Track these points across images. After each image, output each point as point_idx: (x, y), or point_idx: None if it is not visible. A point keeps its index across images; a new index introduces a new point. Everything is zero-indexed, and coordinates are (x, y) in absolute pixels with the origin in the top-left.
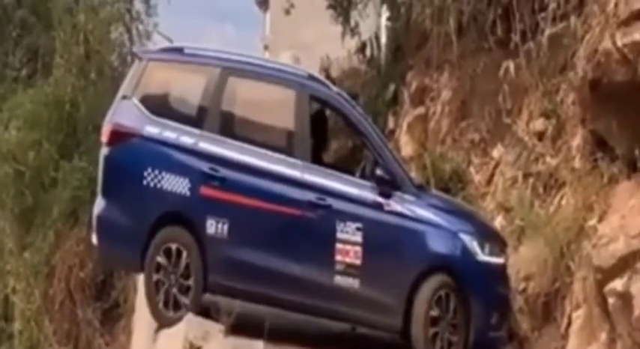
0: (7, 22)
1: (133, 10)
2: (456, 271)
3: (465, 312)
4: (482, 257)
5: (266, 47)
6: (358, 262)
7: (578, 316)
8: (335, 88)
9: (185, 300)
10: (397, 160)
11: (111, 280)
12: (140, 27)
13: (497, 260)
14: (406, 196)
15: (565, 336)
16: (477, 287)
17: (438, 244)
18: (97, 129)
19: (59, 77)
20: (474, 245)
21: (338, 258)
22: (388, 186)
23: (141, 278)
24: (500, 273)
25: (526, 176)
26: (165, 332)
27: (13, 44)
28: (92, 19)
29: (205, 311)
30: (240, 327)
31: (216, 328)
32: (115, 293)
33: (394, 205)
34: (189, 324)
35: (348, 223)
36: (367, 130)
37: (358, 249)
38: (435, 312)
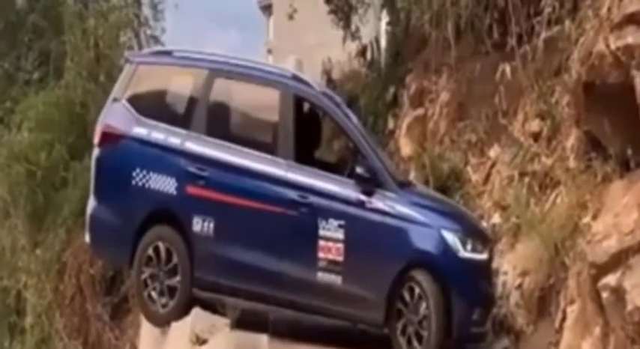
0: (19, 27)
1: (141, 16)
2: (437, 267)
3: (447, 308)
4: (464, 253)
5: (269, 51)
6: (340, 259)
7: (573, 311)
8: (319, 88)
9: (172, 298)
10: (380, 158)
11: (120, 276)
12: (148, 32)
13: (480, 256)
14: (388, 193)
15: (560, 330)
16: (459, 284)
17: (419, 240)
18: None
19: (70, 80)
20: (455, 241)
21: (320, 254)
22: (369, 183)
23: None
24: (483, 269)
25: (522, 175)
26: (173, 326)
27: (25, 48)
28: (102, 24)
29: (211, 306)
30: (245, 321)
31: (222, 322)
32: (124, 289)
33: (376, 202)
34: (196, 318)
35: (330, 220)
36: (350, 129)
37: (340, 245)
38: (401, 306)
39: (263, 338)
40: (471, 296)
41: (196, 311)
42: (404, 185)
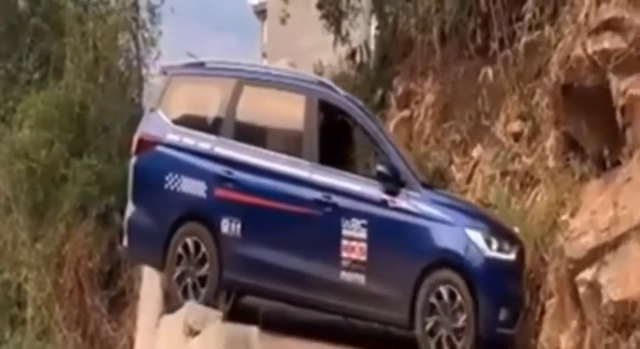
0: (21, 29)
1: (138, 19)
2: (461, 266)
3: (473, 307)
4: (489, 252)
5: (264, 54)
6: (364, 258)
7: (552, 304)
8: (342, 92)
9: (201, 292)
10: (403, 158)
11: (117, 270)
12: (145, 34)
13: (507, 256)
14: (411, 193)
15: (539, 323)
16: (484, 283)
17: (442, 239)
18: (105, 129)
19: (69, 81)
20: (480, 240)
21: (344, 254)
22: (391, 182)
23: (146, 269)
24: (509, 270)
25: (503, 174)
26: (167, 318)
27: (26, 50)
28: (100, 27)
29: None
30: (237, 314)
31: (214, 314)
32: (122, 282)
33: (399, 202)
34: (190, 310)
35: (354, 220)
36: (373, 130)
37: (363, 245)
38: (435, 306)
39: (253, 330)
40: (496, 295)
41: (189, 304)
42: (428, 185)
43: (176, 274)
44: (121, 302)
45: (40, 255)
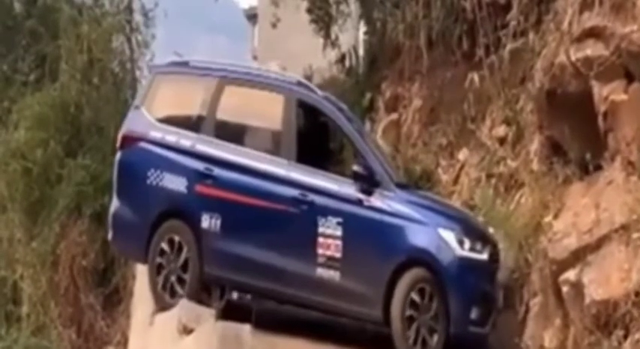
0: (17, 32)
1: (132, 22)
2: (433, 264)
3: (444, 306)
4: (461, 252)
5: (255, 57)
6: (339, 255)
7: (535, 303)
8: (321, 93)
9: (181, 288)
10: (379, 159)
11: (112, 268)
12: (139, 37)
13: (479, 256)
14: (386, 193)
15: (523, 321)
16: (455, 282)
17: (415, 238)
18: (99, 129)
19: (65, 82)
20: (452, 240)
21: (320, 251)
22: (366, 182)
23: (139, 267)
24: (482, 269)
25: (489, 177)
26: (161, 316)
27: (22, 51)
28: (95, 30)
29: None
30: (230, 312)
31: (208, 312)
32: (116, 280)
33: (374, 201)
34: (183, 308)
35: (330, 218)
36: (350, 131)
37: (339, 242)
38: (411, 307)
39: (246, 329)
40: (467, 294)
41: (183, 302)
42: (403, 186)
43: (159, 285)
44: (114, 300)
45: (35, 253)
